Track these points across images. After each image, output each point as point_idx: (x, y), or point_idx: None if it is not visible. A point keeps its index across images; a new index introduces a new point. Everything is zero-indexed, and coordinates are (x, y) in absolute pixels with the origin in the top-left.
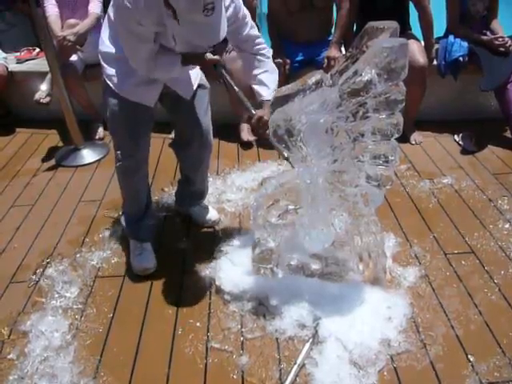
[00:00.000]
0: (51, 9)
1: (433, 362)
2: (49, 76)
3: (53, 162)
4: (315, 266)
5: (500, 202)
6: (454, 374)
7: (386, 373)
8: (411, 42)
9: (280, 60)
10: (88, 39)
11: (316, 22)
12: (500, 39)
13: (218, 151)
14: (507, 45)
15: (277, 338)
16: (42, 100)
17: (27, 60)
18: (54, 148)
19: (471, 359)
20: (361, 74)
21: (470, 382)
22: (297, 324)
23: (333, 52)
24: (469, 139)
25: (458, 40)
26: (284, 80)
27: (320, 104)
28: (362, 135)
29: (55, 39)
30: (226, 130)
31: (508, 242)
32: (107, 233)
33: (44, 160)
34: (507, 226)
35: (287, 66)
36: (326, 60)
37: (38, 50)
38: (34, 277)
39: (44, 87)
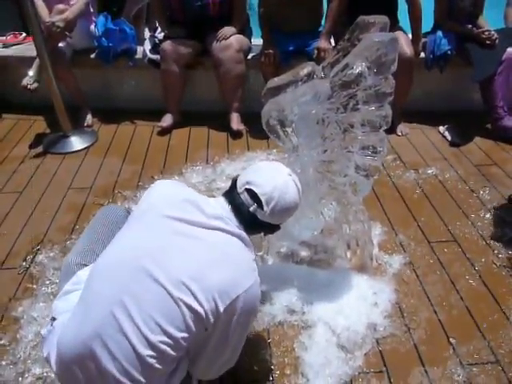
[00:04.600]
0: None
1: (416, 344)
2: (36, 61)
3: (40, 148)
4: (304, 253)
5: (482, 192)
6: (437, 356)
7: (371, 355)
8: (399, 34)
9: (270, 51)
10: (76, 25)
11: (306, 13)
12: (486, 33)
13: (208, 140)
14: (493, 38)
15: (267, 323)
16: (29, 86)
17: (13, 45)
18: (41, 135)
19: (453, 342)
20: (352, 67)
21: (452, 363)
22: (286, 309)
23: (323, 43)
24: (453, 131)
25: (445, 34)
26: (274, 70)
27: (312, 95)
28: (352, 126)
29: (43, 25)
30: (216, 118)
31: (489, 231)
32: None
33: (31, 147)
34: (488, 215)
35: (277, 57)
36: (316, 51)
37: (24, 34)
38: (24, 263)
39: (31, 73)
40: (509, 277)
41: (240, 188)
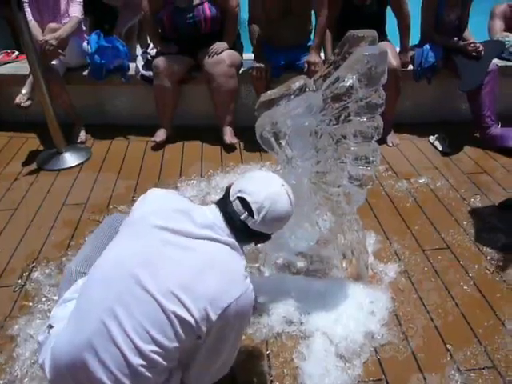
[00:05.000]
0: (29, 14)
1: (414, 352)
2: (29, 79)
3: (34, 166)
4: (301, 263)
5: (473, 200)
6: (434, 362)
7: (370, 364)
8: (385, 45)
9: (262, 65)
10: (69, 43)
11: (295, 28)
12: (472, 45)
13: (202, 153)
14: (479, 49)
15: (265, 334)
16: (22, 104)
17: (5, 63)
18: (34, 152)
19: (450, 348)
20: (343, 80)
21: (449, 369)
22: (284, 320)
23: (313, 57)
24: (442, 141)
25: (433, 47)
26: (266, 84)
27: (305, 108)
28: (345, 137)
29: (36, 43)
30: (209, 132)
31: (481, 238)
32: None
33: (25, 164)
34: (480, 222)
35: (268, 71)
36: (306, 65)
37: (16, 53)
38: (19, 281)
39: (24, 91)
40: (502, 282)
41: (232, 196)
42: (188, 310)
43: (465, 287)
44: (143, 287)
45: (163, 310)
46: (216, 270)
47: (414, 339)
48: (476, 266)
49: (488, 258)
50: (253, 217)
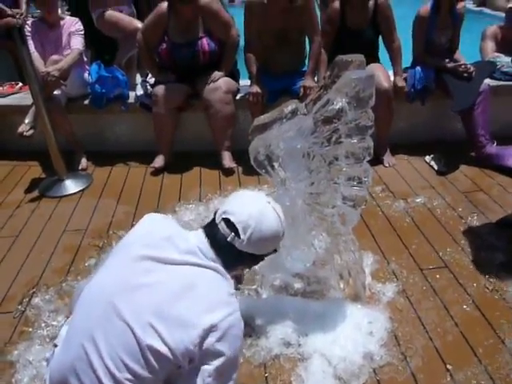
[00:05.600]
0: (32, 46)
1: (413, 372)
2: (32, 109)
3: (36, 193)
4: (298, 285)
5: (470, 218)
6: (435, 383)
7: None
8: (377, 69)
9: (258, 90)
10: (71, 74)
11: (290, 54)
12: (463, 66)
13: (201, 178)
14: (470, 70)
15: (263, 357)
16: (25, 133)
17: (10, 94)
18: (37, 179)
19: (450, 368)
20: (333, 103)
21: None
22: (282, 342)
23: (308, 82)
24: (438, 160)
25: (424, 69)
26: (262, 109)
27: (296, 131)
28: (337, 159)
29: (39, 75)
30: (208, 157)
31: (479, 256)
32: (93, 261)
33: (27, 191)
34: (478, 240)
35: (264, 96)
36: (302, 90)
37: (20, 84)
38: (19, 307)
39: (27, 120)
40: (501, 300)
41: (218, 218)
42: (164, 341)
43: (464, 306)
44: (120, 316)
45: (138, 340)
46: (193, 294)
47: (414, 359)
48: (475, 285)
49: (486, 276)
50: (239, 237)
